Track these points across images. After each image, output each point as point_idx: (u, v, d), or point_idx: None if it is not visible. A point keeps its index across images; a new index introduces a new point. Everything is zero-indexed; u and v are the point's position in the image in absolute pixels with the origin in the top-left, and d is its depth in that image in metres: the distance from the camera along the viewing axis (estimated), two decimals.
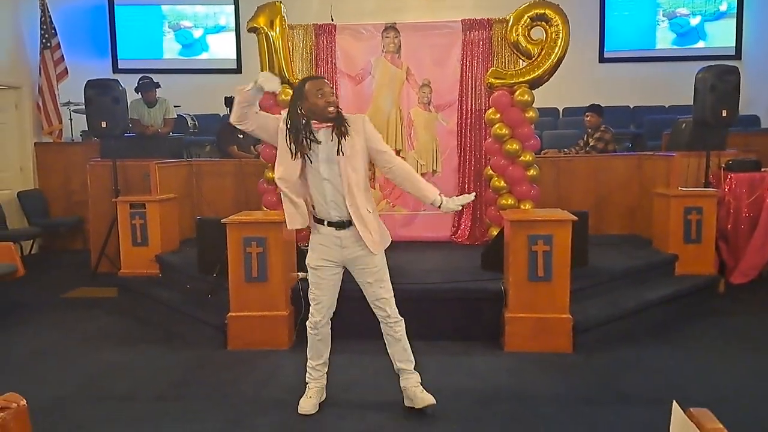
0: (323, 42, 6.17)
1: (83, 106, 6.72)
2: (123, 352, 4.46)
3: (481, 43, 6.06)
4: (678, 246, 5.34)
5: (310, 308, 3.37)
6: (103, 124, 6.22)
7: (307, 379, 3.45)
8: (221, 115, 9.02)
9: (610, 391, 3.63)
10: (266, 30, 5.75)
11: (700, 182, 5.83)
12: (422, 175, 6.18)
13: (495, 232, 5.50)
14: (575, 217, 4.19)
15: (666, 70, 9.91)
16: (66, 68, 8.43)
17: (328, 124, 3.15)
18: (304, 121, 3.14)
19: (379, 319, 3.36)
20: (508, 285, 4.29)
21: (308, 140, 3.13)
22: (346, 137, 3.14)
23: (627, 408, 3.40)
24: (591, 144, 7.16)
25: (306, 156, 3.15)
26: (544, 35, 5.64)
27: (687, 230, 5.32)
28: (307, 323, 3.41)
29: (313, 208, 3.28)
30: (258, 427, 3.26)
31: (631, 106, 9.96)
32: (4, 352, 4.46)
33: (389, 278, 3.35)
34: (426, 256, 5.52)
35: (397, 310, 3.35)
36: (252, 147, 7.01)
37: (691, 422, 1.31)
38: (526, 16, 5.65)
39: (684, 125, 6.30)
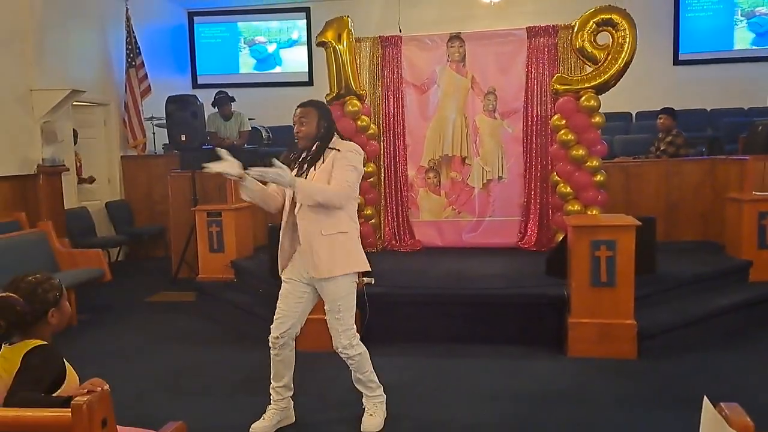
0: (389, 53, 6.33)
1: (165, 121, 7.13)
2: (199, 351, 4.74)
3: (546, 49, 6.07)
4: (752, 252, 5.17)
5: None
6: (183, 138, 6.60)
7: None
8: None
9: (672, 395, 3.59)
10: (334, 44, 5.96)
11: None
12: (488, 181, 6.31)
13: (561, 238, 5.48)
14: (639, 223, 4.15)
15: (745, 71, 9.57)
16: (149, 85, 8.92)
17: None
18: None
19: None
20: (570, 290, 4.29)
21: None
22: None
23: (688, 411, 3.33)
24: (662, 148, 7.00)
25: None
26: (611, 40, 5.60)
27: (761, 235, 5.15)
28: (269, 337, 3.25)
29: None
30: (320, 425, 3.41)
31: (708, 109, 9.63)
32: (91, 350, 4.79)
33: (351, 313, 3.16)
34: (491, 262, 5.56)
35: (350, 344, 3.15)
36: None
37: (720, 416, 1.34)
38: (591, 22, 5.61)
39: (760, 128, 6.09)
